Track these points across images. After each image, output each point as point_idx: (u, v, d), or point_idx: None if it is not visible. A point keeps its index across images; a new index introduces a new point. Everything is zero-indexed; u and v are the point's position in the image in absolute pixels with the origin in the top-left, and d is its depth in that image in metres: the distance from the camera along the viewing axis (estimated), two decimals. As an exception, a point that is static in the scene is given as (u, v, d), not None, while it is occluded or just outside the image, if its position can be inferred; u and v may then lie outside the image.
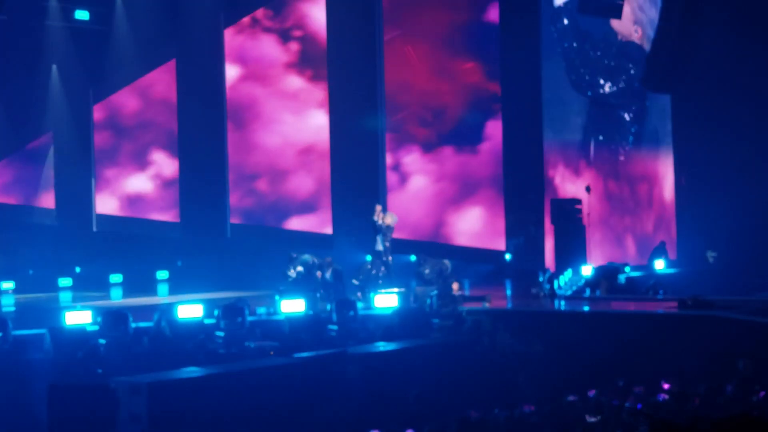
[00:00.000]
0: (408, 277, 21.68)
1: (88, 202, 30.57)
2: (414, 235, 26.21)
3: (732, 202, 27.19)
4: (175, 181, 29.88)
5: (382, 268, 20.95)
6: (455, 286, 19.14)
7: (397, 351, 16.71)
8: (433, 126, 27.37)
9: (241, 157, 29.52)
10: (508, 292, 23.04)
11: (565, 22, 26.68)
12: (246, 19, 29.48)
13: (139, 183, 30.52)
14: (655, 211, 28.92)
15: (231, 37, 29.61)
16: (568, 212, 23.72)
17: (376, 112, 27.29)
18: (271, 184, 29.19)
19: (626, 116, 28.51)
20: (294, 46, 28.95)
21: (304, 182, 28.79)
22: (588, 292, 21.06)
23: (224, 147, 29.18)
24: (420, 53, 27.42)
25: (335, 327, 17.63)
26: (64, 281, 26.96)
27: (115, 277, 27.46)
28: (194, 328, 16.73)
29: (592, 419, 11.06)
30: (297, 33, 29.00)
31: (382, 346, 17.02)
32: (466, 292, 20.12)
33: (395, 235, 21.96)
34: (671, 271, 25.20)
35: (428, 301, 18.78)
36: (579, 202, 24.13)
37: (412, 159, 27.46)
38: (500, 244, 25.95)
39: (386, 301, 19.10)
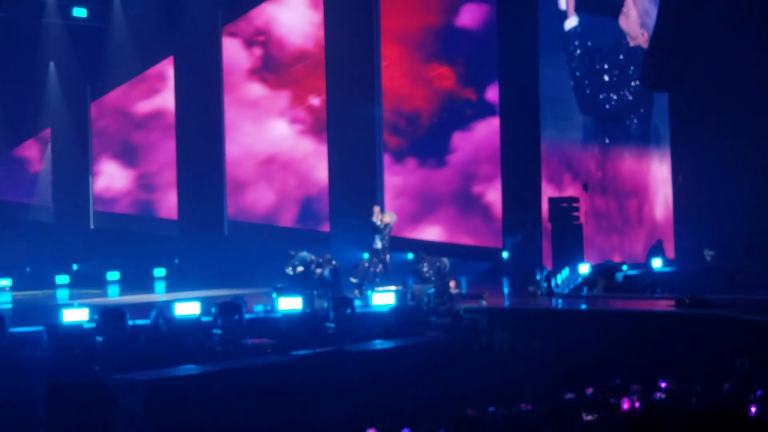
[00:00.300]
0: (406, 275, 21.67)
1: (85, 200, 30.56)
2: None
3: (729, 200, 27.20)
4: (172, 180, 29.87)
5: (380, 266, 20.95)
6: (452, 284, 19.14)
7: (394, 349, 16.70)
8: (404, 134, 27.35)
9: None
10: (506, 290, 23.03)
11: (576, 43, 26.77)
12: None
13: (136, 180, 30.52)
14: (645, 228, 28.70)
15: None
16: (565, 210, 23.73)
17: (373, 108, 27.26)
18: (229, 196, 29.13)
19: (630, 122, 28.59)
20: (257, 51, 28.83)
21: (265, 195, 28.69)
22: (585, 291, 21.07)
23: (222, 144, 29.15)
24: (394, 57, 27.39)
25: (332, 325, 17.62)
26: (62, 278, 26.94)
27: (113, 275, 27.44)
28: (191, 326, 16.71)
29: (589, 417, 11.04)
30: (260, 38, 28.83)
31: (379, 344, 17.02)
32: (464, 290, 20.10)
33: (393, 233, 21.95)
34: (669, 269, 25.20)
35: (425, 299, 18.78)
36: (576, 200, 24.13)
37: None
38: (497, 242, 25.95)
39: (384, 299, 19.10)
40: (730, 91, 27.22)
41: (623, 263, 23.51)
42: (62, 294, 24.80)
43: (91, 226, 30.59)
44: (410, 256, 23.90)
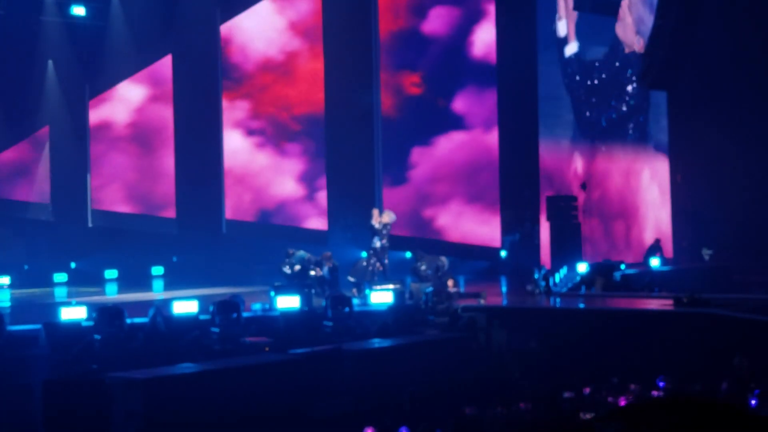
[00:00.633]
0: (404, 274, 21.66)
1: (84, 198, 30.55)
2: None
3: (727, 199, 27.20)
4: (171, 177, 29.87)
5: (378, 265, 20.92)
6: (450, 282, 19.14)
7: (392, 348, 16.69)
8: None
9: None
10: (504, 288, 23.03)
11: (575, 68, 26.78)
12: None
13: (136, 178, 30.51)
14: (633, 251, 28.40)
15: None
16: (563, 209, 23.72)
17: (371, 105, 27.27)
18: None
19: (626, 129, 28.59)
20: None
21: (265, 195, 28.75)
22: (583, 290, 21.05)
23: (220, 143, 29.16)
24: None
25: (330, 323, 17.60)
26: (60, 277, 26.95)
27: (111, 273, 27.44)
28: (189, 324, 16.69)
29: (588, 416, 11.05)
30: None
31: (378, 342, 17.01)
32: (462, 289, 20.10)
33: (392, 232, 21.93)
34: (667, 268, 25.19)
35: (423, 297, 18.77)
36: (575, 199, 24.12)
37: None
38: (495, 241, 25.95)
39: (382, 297, 19.09)
40: (729, 91, 27.22)
41: (621, 262, 23.49)
42: (60, 292, 24.81)
43: (89, 225, 30.58)
44: (408, 254, 23.88)
